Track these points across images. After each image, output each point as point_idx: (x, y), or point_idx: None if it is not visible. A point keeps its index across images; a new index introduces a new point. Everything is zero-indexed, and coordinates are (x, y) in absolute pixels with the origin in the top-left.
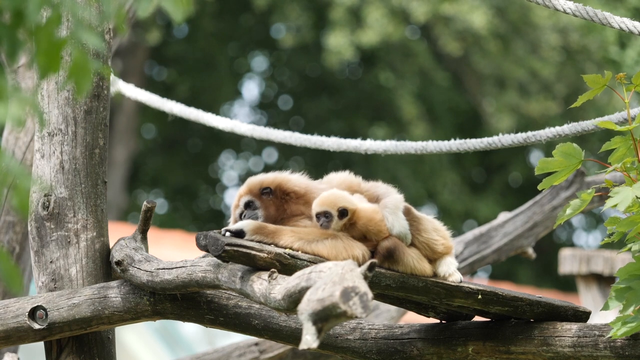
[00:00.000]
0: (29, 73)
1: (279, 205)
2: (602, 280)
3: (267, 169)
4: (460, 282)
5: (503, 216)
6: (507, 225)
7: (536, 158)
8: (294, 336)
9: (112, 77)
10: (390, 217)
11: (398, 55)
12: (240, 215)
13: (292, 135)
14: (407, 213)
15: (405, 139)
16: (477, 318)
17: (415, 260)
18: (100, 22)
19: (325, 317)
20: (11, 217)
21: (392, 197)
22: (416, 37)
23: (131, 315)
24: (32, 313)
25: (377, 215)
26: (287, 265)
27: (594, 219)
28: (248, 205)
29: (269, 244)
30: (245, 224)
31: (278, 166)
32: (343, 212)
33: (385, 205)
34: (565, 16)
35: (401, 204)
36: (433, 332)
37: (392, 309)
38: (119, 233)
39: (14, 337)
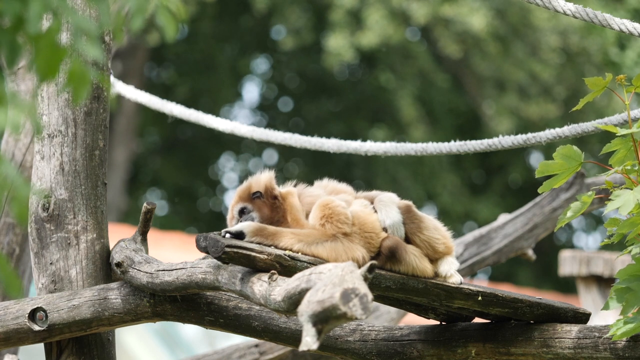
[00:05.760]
0: (29, 75)
1: (272, 205)
2: (602, 282)
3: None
4: (460, 283)
5: (503, 218)
6: (507, 226)
7: (536, 160)
8: (294, 338)
9: (112, 79)
10: (384, 210)
11: (398, 57)
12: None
13: (292, 137)
14: (408, 211)
15: (405, 141)
16: (477, 320)
17: (417, 259)
18: (99, 28)
19: (325, 318)
20: (11, 219)
21: (387, 194)
22: (416, 39)
23: (131, 316)
24: (32, 314)
25: (370, 216)
26: (287, 267)
27: (594, 221)
28: (242, 212)
29: (269, 246)
30: (245, 226)
31: (278, 167)
32: None
33: (380, 200)
34: (565, 18)
35: (396, 199)
36: (433, 334)
37: (392, 310)
38: (119, 234)
39: (13, 338)
